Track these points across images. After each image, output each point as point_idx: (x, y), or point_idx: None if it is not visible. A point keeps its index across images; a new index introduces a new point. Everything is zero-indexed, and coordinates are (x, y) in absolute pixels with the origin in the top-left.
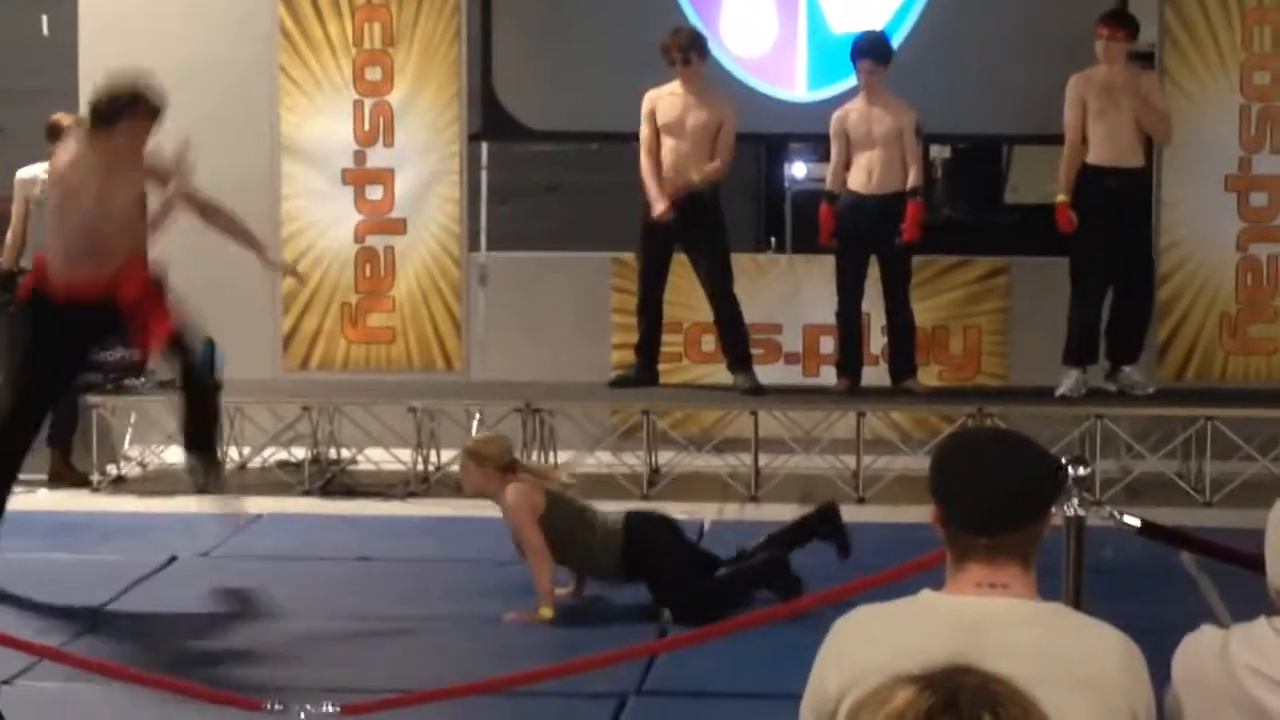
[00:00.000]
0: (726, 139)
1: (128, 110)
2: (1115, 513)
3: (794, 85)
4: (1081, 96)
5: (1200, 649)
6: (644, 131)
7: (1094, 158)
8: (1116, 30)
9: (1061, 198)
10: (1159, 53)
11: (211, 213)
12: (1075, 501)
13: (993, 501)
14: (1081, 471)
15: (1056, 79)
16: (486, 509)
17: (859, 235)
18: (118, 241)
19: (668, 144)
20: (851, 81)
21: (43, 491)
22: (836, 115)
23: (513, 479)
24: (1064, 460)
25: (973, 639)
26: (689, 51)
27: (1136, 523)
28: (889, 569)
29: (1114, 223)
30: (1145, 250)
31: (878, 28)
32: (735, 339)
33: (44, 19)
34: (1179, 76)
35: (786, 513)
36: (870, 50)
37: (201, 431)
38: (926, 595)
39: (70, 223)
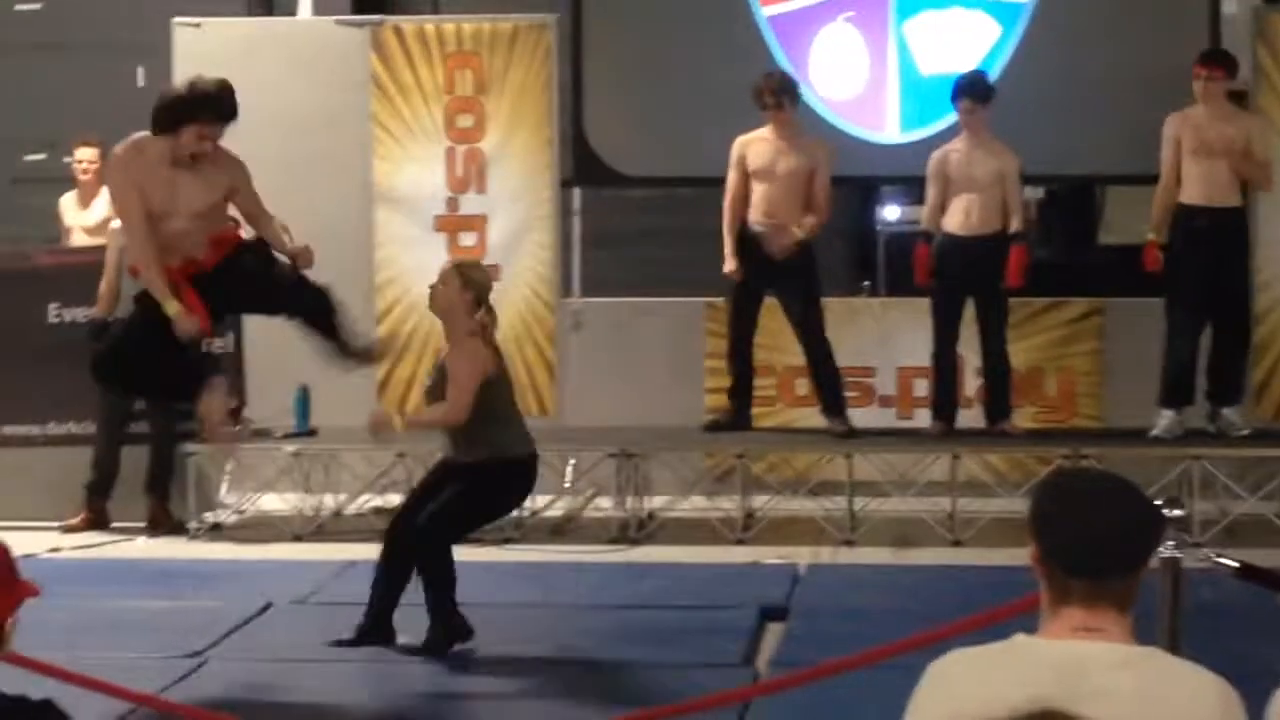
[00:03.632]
0: (823, 184)
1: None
2: (1213, 555)
3: (884, 128)
4: (1177, 135)
5: None
6: (731, 178)
7: (1187, 197)
8: (1214, 69)
9: (1151, 236)
10: (1252, 91)
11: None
12: (1171, 544)
13: (1098, 545)
14: (1177, 513)
15: (1150, 118)
16: (582, 555)
17: (955, 277)
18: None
19: (760, 190)
20: (943, 124)
21: (140, 539)
22: (936, 155)
23: (479, 326)
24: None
25: (1067, 683)
26: (781, 95)
27: (1234, 564)
28: (983, 612)
29: (1207, 263)
30: (1241, 290)
31: (974, 68)
32: (828, 382)
33: (139, 69)
34: (1273, 114)
35: (882, 556)
36: (970, 89)
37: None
38: (1021, 639)
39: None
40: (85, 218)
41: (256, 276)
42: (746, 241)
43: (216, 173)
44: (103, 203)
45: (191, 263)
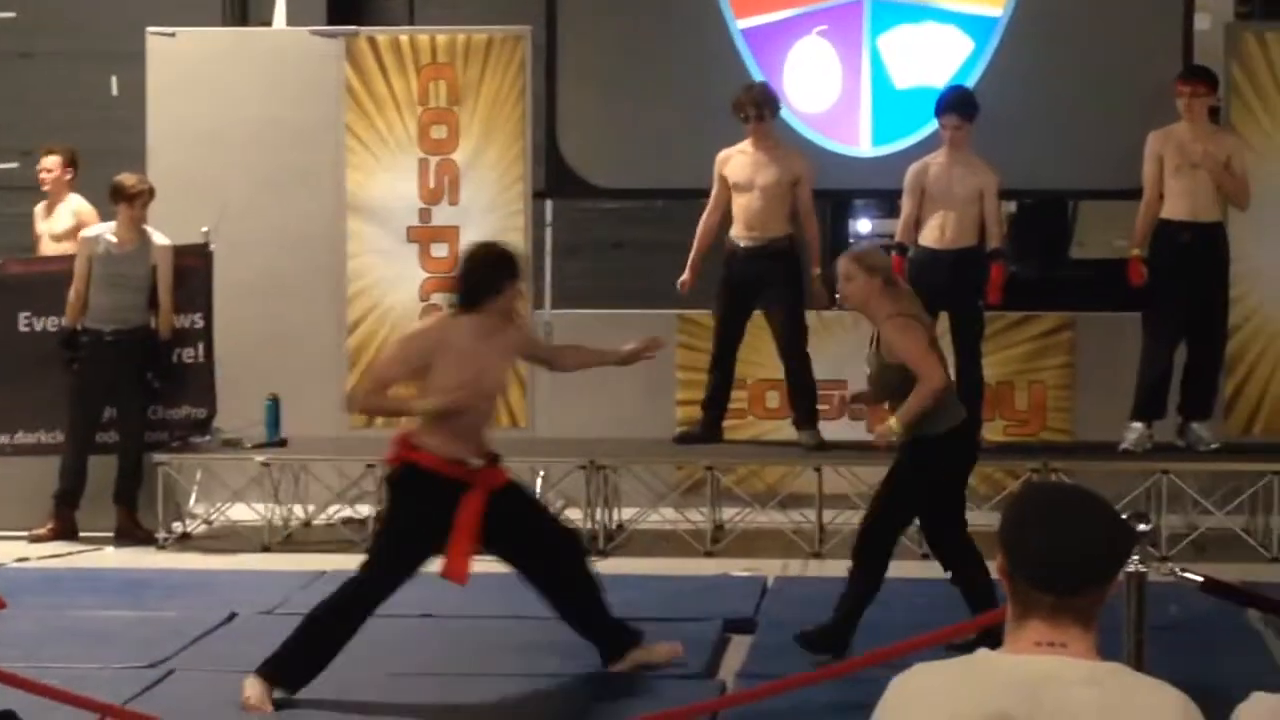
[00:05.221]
0: (805, 197)
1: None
2: (1178, 569)
3: (858, 141)
4: (1159, 152)
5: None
6: (714, 191)
7: (1169, 212)
8: (1197, 85)
9: (1135, 252)
10: (1225, 106)
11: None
12: (1136, 558)
13: (1065, 560)
14: (1143, 528)
15: (1123, 133)
16: None
17: (930, 291)
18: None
19: (740, 201)
20: (916, 138)
21: (109, 549)
22: (915, 168)
23: (895, 309)
24: (1125, 517)
25: (1029, 699)
26: (762, 108)
27: (1199, 579)
28: (949, 626)
29: (1187, 278)
30: (1220, 304)
31: (958, 84)
32: (804, 396)
33: (113, 79)
34: (1246, 130)
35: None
36: (956, 106)
37: None
38: (983, 654)
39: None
40: (51, 225)
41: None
42: (733, 256)
43: (507, 339)
44: (67, 210)
45: (487, 472)
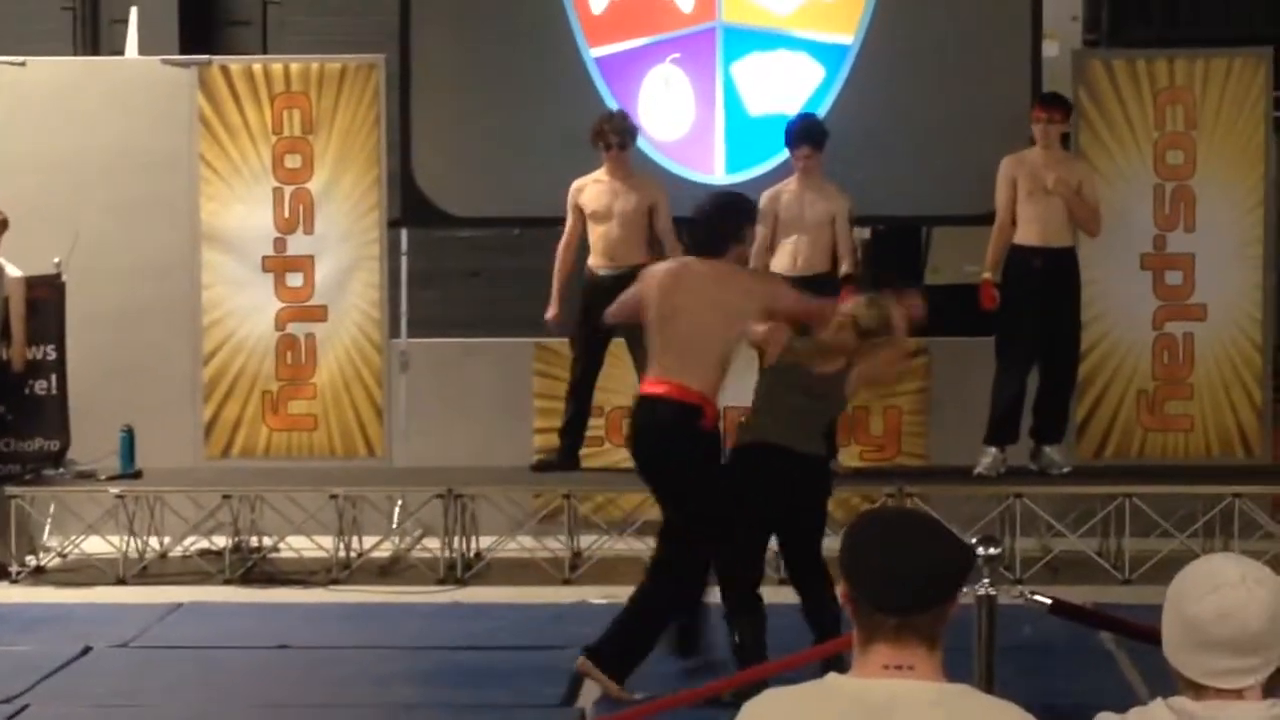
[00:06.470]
0: (665, 223)
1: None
2: (1027, 592)
3: (712, 169)
4: (1012, 177)
5: None
6: (569, 221)
7: (1021, 238)
8: (1054, 112)
9: (987, 275)
10: (1074, 133)
11: None
12: (986, 581)
13: (902, 581)
14: (992, 551)
15: (974, 159)
16: (409, 596)
17: None
18: None
19: (598, 230)
20: (769, 165)
21: None
22: (767, 195)
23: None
24: (974, 540)
25: None
26: (624, 136)
27: (1046, 601)
28: (804, 650)
29: (1040, 303)
30: (1071, 331)
31: (806, 112)
32: None
33: None
34: (1093, 156)
35: (708, 595)
36: (807, 136)
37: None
38: (833, 678)
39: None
40: None
41: None
42: (593, 285)
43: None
44: None
45: None
